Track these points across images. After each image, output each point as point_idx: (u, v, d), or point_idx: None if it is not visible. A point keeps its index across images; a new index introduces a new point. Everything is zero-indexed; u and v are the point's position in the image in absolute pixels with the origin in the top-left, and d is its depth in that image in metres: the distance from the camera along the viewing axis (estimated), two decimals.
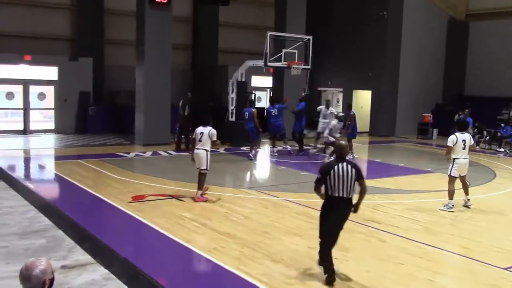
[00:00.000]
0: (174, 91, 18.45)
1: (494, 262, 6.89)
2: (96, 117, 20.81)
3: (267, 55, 17.09)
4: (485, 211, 9.84)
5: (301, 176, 13.23)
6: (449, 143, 9.80)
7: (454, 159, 9.76)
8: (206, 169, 9.87)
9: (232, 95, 18.81)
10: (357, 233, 8.09)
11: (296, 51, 17.78)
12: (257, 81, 25.50)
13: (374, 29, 23.73)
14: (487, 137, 20.75)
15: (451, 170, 9.83)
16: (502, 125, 20.83)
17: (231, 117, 18.64)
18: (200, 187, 9.92)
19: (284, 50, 17.59)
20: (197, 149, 9.87)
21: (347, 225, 8.50)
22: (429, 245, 7.54)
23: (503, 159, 17.50)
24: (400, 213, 9.58)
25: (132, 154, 15.86)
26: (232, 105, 18.76)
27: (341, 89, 26.45)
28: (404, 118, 24.24)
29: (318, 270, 6.35)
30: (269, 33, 17.41)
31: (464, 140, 9.74)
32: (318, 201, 10.10)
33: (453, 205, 9.70)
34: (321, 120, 16.99)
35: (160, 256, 7.04)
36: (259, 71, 20.04)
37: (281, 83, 20.79)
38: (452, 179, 9.84)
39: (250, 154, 15.45)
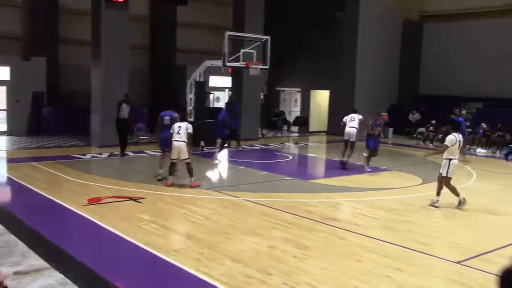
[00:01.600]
0: (131, 92, 18.15)
1: (450, 257, 7.06)
2: (50, 118, 20.26)
3: (226, 55, 17.05)
4: (441, 207, 10.08)
5: (261, 176, 13.23)
6: (448, 143, 9.71)
7: (450, 159, 9.74)
8: (188, 158, 11.09)
9: (191, 95, 18.68)
10: (318, 232, 8.14)
11: (254, 51, 17.81)
12: (215, 81, 25.42)
13: (331, 30, 24.06)
14: (440, 135, 21.29)
15: (447, 171, 9.79)
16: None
17: (190, 117, 18.49)
18: (191, 174, 11.19)
19: (242, 50, 17.60)
20: (177, 141, 10.95)
21: (307, 223, 8.61)
22: (388, 242, 7.66)
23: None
24: (359, 211, 9.71)
25: (88, 156, 15.51)
26: (190, 105, 18.62)
27: (299, 89, 26.69)
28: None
29: (279, 269, 6.35)
30: (228, 33, 17.37)
31: (460, 141, 9.79)
32: (278, 201, 10.17)
33: (464, 198, 9.89)
34: (348, 126, 15.02)
35: (118, 260, 6.88)
36: (217, 71, 19.97)
37: (240, 83, 20.77)
38: (449, 179, 9.86)
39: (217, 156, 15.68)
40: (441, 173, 9.95)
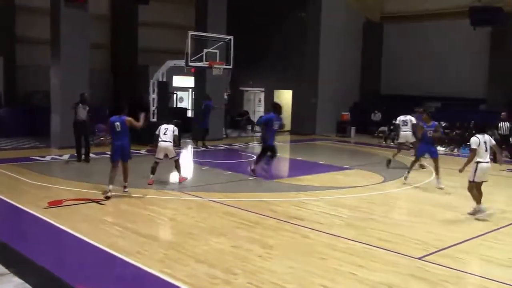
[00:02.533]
0: (92, 92, 17.81)
1: (411, 253, 7.20)
2: (8, 119, 19.67)
3: (189, 54, 16.95)
4: (402, 204, 10.29)
5: (225, 176, 13.21)
6: (473, 146, 9.08)
7: (477, 162, 9.04)
8: (176, 156, 11.82)
9: (153, 96, 18.49)
10: (282, 231, 8.18)
11: (217, 51, 17.78)
12: (178, 81, 25.24)
13: (294, 30, 24.21)
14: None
15: (474, 175, 9.10)
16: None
17: (153, 118, 18.29)
18: (179, 170, 11.88)
19: (205, 50, 17.53)
20: (164, 141, 11.52)
21: (272, 223, 8.64)
22: (351, 240, 7.76)
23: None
24: (323, 209, 9.80)
25: (48, 158, 15.16)
26: (153, 106, 18.43)
27: (263, 89, 26.77)
28: (324, 116, 24.89)
29: (244, 268, 6.35)
30: (190, 32, 17.27)
31: (485, 142, 9.15)
32: (242, 200, 10.16)
33: (485, 208, 9.16)
34: (402, 128, 15.38)
35: (80, 263, 6.75)
36: (180, 71, 19.83)
37: (203, 83, 20.67)
38: (474, 184, 9.17)
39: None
40: (482, 180, 9.19)
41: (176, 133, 11.72)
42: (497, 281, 6.20)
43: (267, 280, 6.02)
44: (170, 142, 11.57)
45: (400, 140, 15.57)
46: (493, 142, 9.40)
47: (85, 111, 14.34)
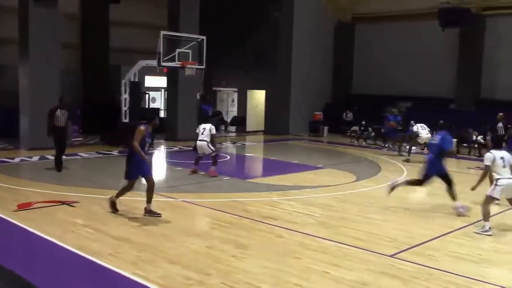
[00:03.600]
0: (63, 92, 17.51)
1: (383, 250, 7.29)
2: None
3: (161, 54, 16.83)
4: (374, 203, 10.40)
5: (198, 176, 13.14)
6: (487, 162, 8.50)
7: (497, 179, 8.35)
8: (213, 151, 12.67)
9: (125, 96, 18.29)
10: (256, 231, 8.19)
11: (190, 51, 17.69)
12: (151, 81, 25.02)
13: (267, 30, 24.26)
14: (372, 134, 22.00)
15: (492, 190, 8.39)
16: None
17: (125, 118, 18.10)
18: (213, 164, 12.76)
19: (178, 50, 17.43)
20: (200, 140, 12.59)
21: (246, 223, 8.64)
22: (324, 239, 7.81)
23: (387, 153, 18.56)
24: (296, 209, 9.84)
25: (17, 159, 14.85)
26: (125, 106, 18.23)
27: (236, 89, 26.77)
28: (297, 116, 25.00)
29: (218, 269, 6.34)
30: (163, 32, 17.14)
31: (503, 158, 8.46)
32: (216, 201, 10.14)
33: (490, 228, 8.34)
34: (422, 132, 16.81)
35: (50, 266, 6.62)
36: (153, 71, 19.67)
37: (176, 84, 20.54)
38: (489, 198, 8.42)
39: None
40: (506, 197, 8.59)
41: (214, 131, 12.65)
42: (467, 277, 6.32)
43: (241, 280, 6.02)
44: (205, 141, 12.52)
45: (422, 141, 17.00)
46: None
47: (64, 116, 13.09)
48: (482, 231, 8.33)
